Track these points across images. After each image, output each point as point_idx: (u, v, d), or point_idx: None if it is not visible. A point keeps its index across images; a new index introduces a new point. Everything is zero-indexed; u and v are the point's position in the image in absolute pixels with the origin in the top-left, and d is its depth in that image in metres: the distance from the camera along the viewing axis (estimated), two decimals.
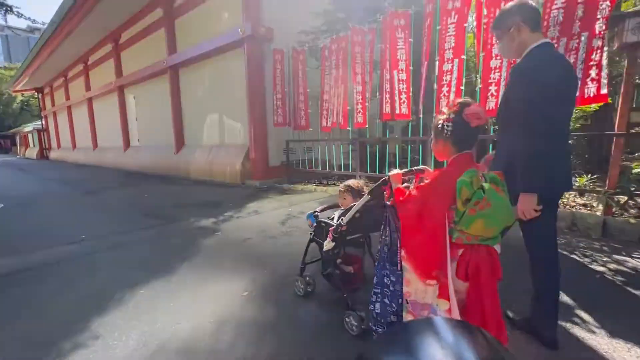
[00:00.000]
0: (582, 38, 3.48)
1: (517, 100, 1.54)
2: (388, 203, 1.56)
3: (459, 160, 1.39)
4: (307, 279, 2.22)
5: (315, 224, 2.08)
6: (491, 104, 4.49)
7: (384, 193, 1.63)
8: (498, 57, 4.34)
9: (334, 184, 7.11)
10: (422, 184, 1.48)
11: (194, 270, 2.82)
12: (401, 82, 5.36)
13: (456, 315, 1.26)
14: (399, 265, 1.47)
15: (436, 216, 1.31)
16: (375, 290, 1.60)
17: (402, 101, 5.41)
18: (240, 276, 2.63)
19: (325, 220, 2.03)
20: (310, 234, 2.13)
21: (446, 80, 4.79)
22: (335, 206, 2.26)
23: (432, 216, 1.32)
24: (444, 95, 4.82)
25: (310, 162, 7.90)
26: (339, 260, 2.15)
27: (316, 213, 2.13)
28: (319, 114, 6.81)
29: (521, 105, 1.50)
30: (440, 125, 1.41)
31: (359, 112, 6.04)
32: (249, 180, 7.94)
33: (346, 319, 1.83)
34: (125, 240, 3.73)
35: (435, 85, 4.88)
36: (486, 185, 1.25)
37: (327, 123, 6.68)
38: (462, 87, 4.70)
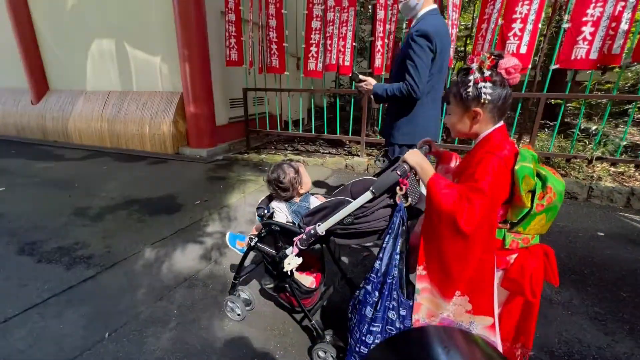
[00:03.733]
0: None
1: None
2: (403, 202, 1.13)
3: (504, 136, 1.06)
4: (245, 295, 1.75)
5: (261, 225, 1.50)
6: (581, 51, 3.41)
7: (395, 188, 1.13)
8: None
9: (317, 152, 5.32)
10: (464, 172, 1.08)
11: None
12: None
13: (498, 332, 1.05)
14: (410, 291, 1.15)
15: (488, 218, 0.98)
16: (372, 329, 1.19)
17: None
18: None
19: (281, 223, 1.44)
20: (250, 238, 1.55)
21: (521, 13, 3.42)
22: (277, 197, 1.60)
23: (483, 218, 0.97)
24: (514, 35, 3.48)
25: (265, 119, 5.70)
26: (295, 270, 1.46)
27: (265, 211, 1.56)
28: (303, 51, 4.64)
29: None
30: (470, 88, 1.02)
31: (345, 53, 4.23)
32: (185, 148, 5.35)
33: (319, 354, 1.42)
34: None
35: (499, 20, 3.47)
36: (543, 171, 1.02)
37: (316, 66, 4.62)
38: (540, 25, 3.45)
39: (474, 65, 1.04)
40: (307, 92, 5.75)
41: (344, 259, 2.26)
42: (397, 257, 1.14)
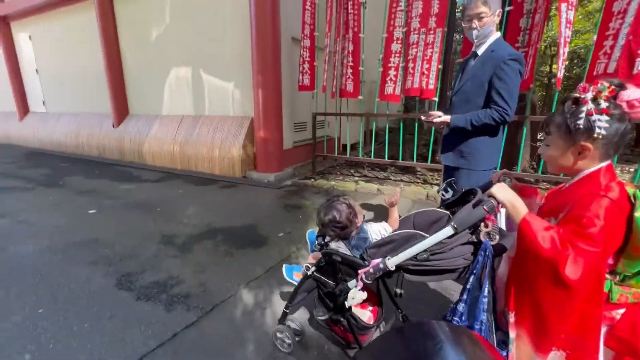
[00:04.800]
0: None
1: None
2: (489, 241, 1.03)
3: (612, 175, 0.95)
4: (294, 325, 1.62)
5: (320, 255, 1.39)
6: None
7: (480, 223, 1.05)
8: None
9: (387, 179, 4.99)
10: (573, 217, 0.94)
11: None
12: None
13: None
14: (500, 339, 1.06)
15: (596, 269, 0.88)
16: None
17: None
18: None
19: (342, 253, 1.33)
20: (307, 267, 1.44)
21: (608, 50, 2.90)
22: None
23: (591, 268, 0.87)
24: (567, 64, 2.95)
25: (325, 143, 5.54)
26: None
27: (326, 240, 1.46)
28: (380, 75, 4.45)
29: None
30: (582, 121, 0.92)
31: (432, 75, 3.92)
32: (252, 172, 5.32)
33: None
34: None
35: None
36: None
37: (394, 90, 4.38)
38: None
39: (589, 95, 0.92)
40: (381, 116, 5.51)
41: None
42: (485, 300, 1.04)
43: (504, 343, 1.04)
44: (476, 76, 1.85)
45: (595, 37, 3.25)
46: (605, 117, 0.89)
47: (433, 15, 3.88)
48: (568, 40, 3.22)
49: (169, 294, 2.11)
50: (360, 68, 4.61)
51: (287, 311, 1.60)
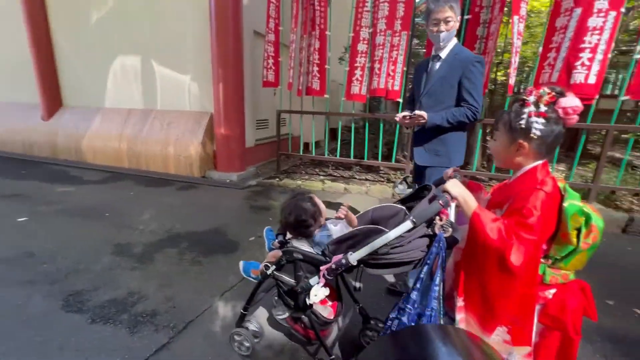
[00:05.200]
0: None
1: None
2: (443, 233, 1.12)
3: (547, 172, 1.06)
4: (253, 327, 1.57)
5: (280, 253, 1.39)
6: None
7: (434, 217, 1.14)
8: None
9: (353, 178, 5.04)
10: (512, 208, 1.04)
11: None
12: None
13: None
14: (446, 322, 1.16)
15: (534, 255, 0.99)
16: None
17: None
18: None
19: (304, 251, 1.34)
20: (266, 266, 1.40)
21: (589, 43, 3.29)
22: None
23: (530, 254, 0.97)
24: (582, 65, 3.34)
25: (295, 142, 5.46)
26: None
27: (286, 238, 1.50)
28: (347, 75, 4.45)
29: None
30: (524, 121, 1.02)
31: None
32: (213, 172, 5.01)
33: None
34: None
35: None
36: (586, 209, 1.01)
37: (361, 89, 4.42)
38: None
39: (531, 98, 1.01)
40: (347, 116, 5.52)
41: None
42: (437, 288, 1.12)
43: None
44: (445, 78, 1.92)
45: (540, 49, 3.59)
46: (542, 120, 0.99)
47: (398, 18, 3.97)
48: (518, 50, 3.52)
49: (132, 314, 1.86)
50: (327, 66, 4.57)
51: (246, 313, 1.56)
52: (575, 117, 0.99)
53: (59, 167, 5.38)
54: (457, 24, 1.88)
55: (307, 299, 1.28)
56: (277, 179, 4.90)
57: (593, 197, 3.85)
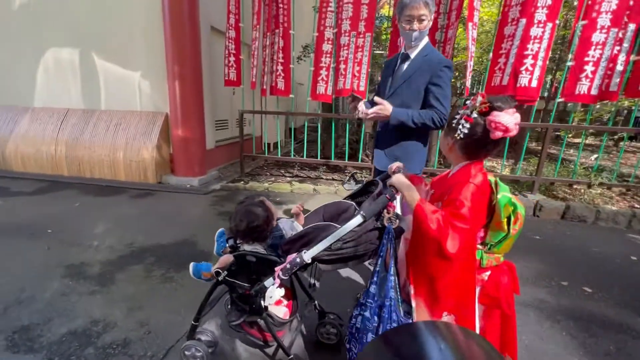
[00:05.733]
0: None
1: None
2: (391, 225, 1.22)
3: (480, 169, 1.15)
4: (205, 337, 1.53)
5: (232, 258, 1.34)
6: (583, 87, 3.75)
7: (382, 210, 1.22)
8: (603, 30, 3.56)
9: (319, 178, 5.03)
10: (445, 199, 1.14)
11: None
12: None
13: None
14: (406, 309, 1.19)
15: (469, 242, 1.08)
16: None
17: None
18: None
19: (258, 253, 1.32)
20: (217, 272, 1.33)
21: (532, 51, 3.66)
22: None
23: (465, 242, 1.06)
24: (526, 70, 3.71)
25: (258, 142, 5.31)
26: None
27: (238, 243, 1.44)
28: (312, 75, 4.40)
29: None
30: (455, 121, 1.13)
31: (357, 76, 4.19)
32: (170, 177, 4.65)
33: None
34: None
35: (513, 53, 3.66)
36: (513, 199, 1.14)
37: (326, 89, 4.41)
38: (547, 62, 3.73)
39: (469, 103, 1.10)
40: (312, 116, 5.47)
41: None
42: (392, 278, 1.17)
43: (408, 313, 1.17)
44: (412, 81, 1.86)
45: (491, 55, 3.90)
46: (468, 125, 1.08)
47: (362, 19, 4.03)
48: (473, 54, 3.78)
49: (99, 346, 1.63)
50: (291, 65, 4.48)
51: (197, 324, 1.51)
52: (499, 134, 1.04)
53: None
54: (431, 23, 1.78)
55: (262, 301, 1.28)
56: (243, 182, 4.71)
57: (536, 188, 4.30)
